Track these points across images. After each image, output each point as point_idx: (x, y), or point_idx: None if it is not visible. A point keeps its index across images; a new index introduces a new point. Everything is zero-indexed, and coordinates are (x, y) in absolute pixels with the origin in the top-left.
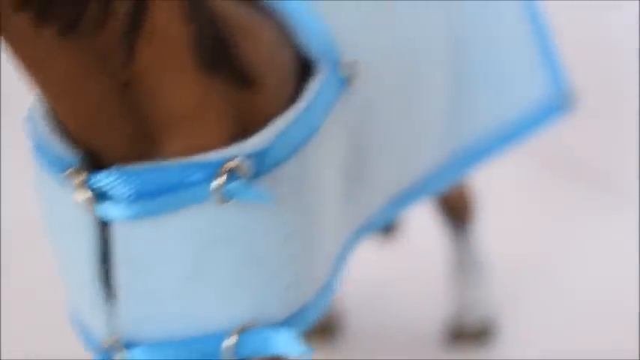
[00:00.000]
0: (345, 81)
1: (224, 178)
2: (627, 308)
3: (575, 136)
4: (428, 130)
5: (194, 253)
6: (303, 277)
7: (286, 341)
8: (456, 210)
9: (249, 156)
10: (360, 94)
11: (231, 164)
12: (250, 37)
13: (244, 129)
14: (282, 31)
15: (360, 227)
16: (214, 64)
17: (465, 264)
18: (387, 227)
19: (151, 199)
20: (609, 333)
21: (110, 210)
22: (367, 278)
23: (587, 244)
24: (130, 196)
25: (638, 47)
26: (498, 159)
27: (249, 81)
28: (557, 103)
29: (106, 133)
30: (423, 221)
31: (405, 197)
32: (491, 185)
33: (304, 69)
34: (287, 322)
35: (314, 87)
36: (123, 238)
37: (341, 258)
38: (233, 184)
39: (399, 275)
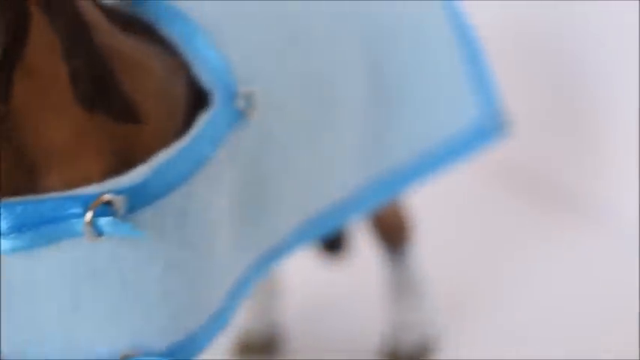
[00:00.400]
0: (240, 112)
1: (92, 213)
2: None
3: (534, 147)
4: (341, 155)
5: (72, 284)
6: (187, 307)
7: None
8: (391, 231)
9: (122, 191)
10: (259, 124)
11: (103, 199)
12: (137, 70)
13: (126, 163)
14: (177, 61)
15: (269, 252)
16: (95, 99)
17: (401, 286)
18: (333, 245)
19: (29, 232)
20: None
21: None
22: (309, 293)
23: (542, 265)
24: (8, 228)
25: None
26: (431, 180)
27: (133, 116)
28: (490, 127)
29: None
30: (367, 236)
31: (321, 222)
32: (437, 199)
33: (201, 100)
34: (171, 351)
35: (203, 119)
36: (3, 268)
37: (243, 283)
38: (103, 219)
39: (342, 290)
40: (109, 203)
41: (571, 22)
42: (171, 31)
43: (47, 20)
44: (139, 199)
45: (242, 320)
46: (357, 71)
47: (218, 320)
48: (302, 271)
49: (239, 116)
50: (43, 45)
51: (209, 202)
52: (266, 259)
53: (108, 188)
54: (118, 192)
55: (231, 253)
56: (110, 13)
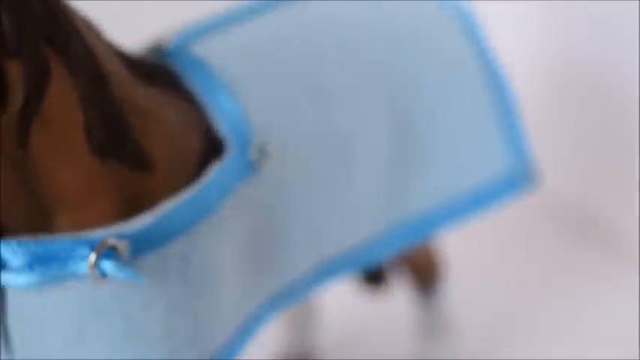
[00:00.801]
0: (253, 163)
1: (96, 255)
2: None
3: (571, 182)
4: (360, 203)
5: (77, 320)
6: (188, 343)
7: None
8: (421, 270)
9: (126, 236)
10: (272, 175)
11: (107, 243)
12: (151, 121)
13: (135, 208)
14: (196, 112)
15: (281, 292)
16: (108, 149)
17: (430, 326)
18: (375, 278)
19: (39, 270)
20: None
21: (5, 277)
22: (347, 321)
23: (580, 305)
24: (21, 265)
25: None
26: (459, 226)
27: (144, 164)
28: (519, 177)
29: (5, 206)
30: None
31: (338, 264)
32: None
33: (216, 149)
34: None
35: (214, 169)
36: (14, 302)
37: (254, 321)
38: (107, 262)
39: (378, 322)
40: (113, 247)
41: (613, 59)
42: (194, 83)
43: (66, 72)
44: (141, 244)
45: (278, 342)
46: (381, 124)
47: (223, 355)
48: (341, 299)
49: (252, 167)
50: (61, 95)
51: (214, 248)
52: (278, 298)
53: (113, 233)
54: (122, 237)
55: (239, 293)
56: (134, 63)
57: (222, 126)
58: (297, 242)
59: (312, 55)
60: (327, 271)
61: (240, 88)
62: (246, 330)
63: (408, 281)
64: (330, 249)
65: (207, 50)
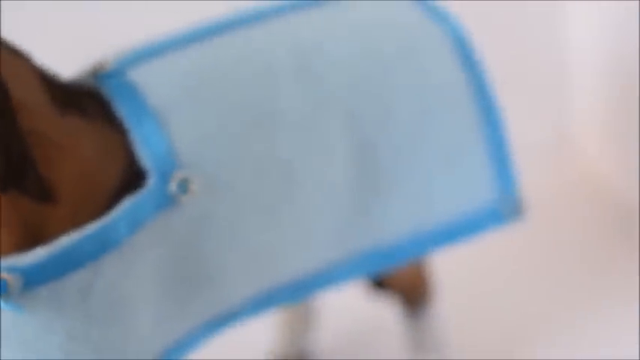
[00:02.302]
0: (172, 196)
1: None
2: None
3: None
4: (310, 233)
5: None
6: None
7: None
8: (407, 292)
9: (17, 269)
10: (197, 207)
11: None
12: (61, 154)
13: (37, 241)
14: (117, 141)
15: (219, 317)
16: (8, 179)
17: (420, 347)
18: (382, 283)
19: None
20: None
21: None
22: (343, 325)
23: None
24: None
25: None
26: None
27: (47, 196)
28: (503, 212)
29: None
30: None
31: (284, 292)
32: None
33: (138, 180)
34: None
35: (126, 202)
36: None
37: (186, 345)
38: None
39: (377, 327)
40: (5, 279)
41: None
42: (122, 110)
43: None
44: (34, 277)
45: (273, 344)
46: (338, 152)
47: None
48: (341, 300)
49: (171, 200)
50: None
51: (121, 279)
52: (216, 322)
53: (5, 266)
54: (14, 270)
55: (161, 320)
56: (60, 91)
57: (145, 157)
58: (234, 270)
59: (263, 80)
60: (273, 297)
61: (172, 117)
62: (175, 355)
63: (394, 302)
64: (275, 276)
65: (147, 75)
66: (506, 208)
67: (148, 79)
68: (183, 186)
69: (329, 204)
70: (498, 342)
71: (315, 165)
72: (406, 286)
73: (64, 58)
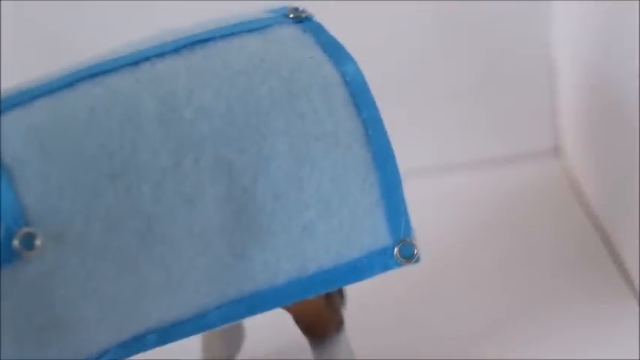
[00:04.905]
0: (16, 252)
1: None
2: None
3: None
4: (179, 280)
5: None
6: None
7: None
8: (304, 323)
9: None
10: (45, 262)
11: None
12: None
13: None
14: None
15: None
16: None
17: None
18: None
19: None
20: None
21: None
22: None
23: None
24: None
25: None
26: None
27: None
28: (394, 256)
29: None
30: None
31: (153, 337)
32: None
33: None
34: None
35: None
36: None
37: None
38: None
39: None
40: None
41: None
42: None
43: None
44: None
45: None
46: (206, 199)
47: None
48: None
49: (15, 255)
50: None
51: None
52: None
53: None
54: None
55: None
56: None
57: None
58: (89, 320)
59: (124, 130)
60: (141, 341)
61: (23, 172)
62: None
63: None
64: (140, 322)
65: (6, 127)
66: (400, 251)
67: (6, 131)
68: (28, 242)
69: (199, 249)
70: (472, 343)
71: (178, 212)
72: (303, 317)
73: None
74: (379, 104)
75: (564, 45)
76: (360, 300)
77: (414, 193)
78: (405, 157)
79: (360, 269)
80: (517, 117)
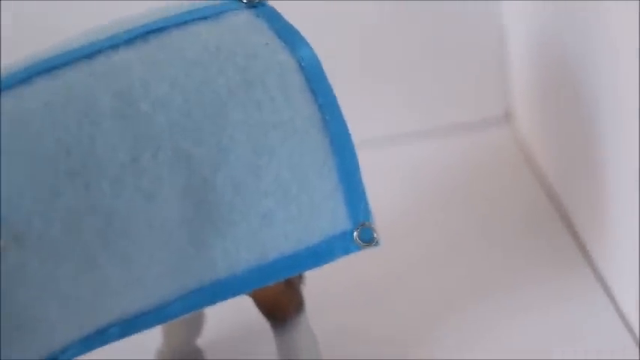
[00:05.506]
0: None
1: None
2: None
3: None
4: (141, 273)
5: None
6: None
7: None
8: (266, 308)
9: None
10: (7, 260)
11: None
12: None
13: None
14: None
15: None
16: None
17: (287, 356)
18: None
19: None
20: None
21: None
22: (235, 324)
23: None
24: None
25: None
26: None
27: None
28: (353, 239)
29: None
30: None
31: (116, 327)
32: None
33: None
34: None
35: None
36: None
37: None
38: None
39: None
40: None
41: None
42: None
43: None
44: None
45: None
46: (165, 191)
47: None
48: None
49: None
50: None
51: None
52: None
53: None
54: None
55: None
56: None
57: None
58: (53, 316)
59: (81, 126)
60: (104, 334)
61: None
62: None
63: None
64: (103, 315)
65: None
66: (359, 235)
67: None
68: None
69: (160, 242)
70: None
71: (138, 207)
72: (263, 300)
73: None
74: (330, 77)
75: (514, 12)
76: (315, 276)
77: (365, 165)
78: (355, 129)
79: (320, 254)
80: (467, 85)
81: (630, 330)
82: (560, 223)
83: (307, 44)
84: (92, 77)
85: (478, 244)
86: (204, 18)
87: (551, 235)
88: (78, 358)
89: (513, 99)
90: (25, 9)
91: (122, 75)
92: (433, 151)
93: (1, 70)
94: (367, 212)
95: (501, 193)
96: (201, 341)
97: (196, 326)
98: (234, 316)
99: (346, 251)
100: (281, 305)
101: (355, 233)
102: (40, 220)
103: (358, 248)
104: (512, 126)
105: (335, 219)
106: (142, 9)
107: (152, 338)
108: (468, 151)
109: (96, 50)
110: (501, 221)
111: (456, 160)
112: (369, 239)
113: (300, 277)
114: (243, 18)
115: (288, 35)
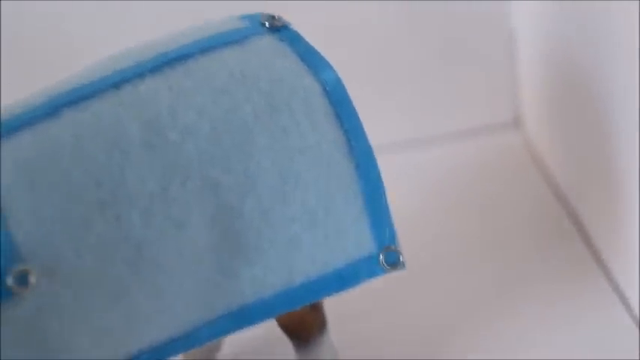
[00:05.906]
0: (10, 289)
1: None
2: None
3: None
4: (172, 301)
5: None
6: None
7: None
8: (288, 328)
9: None
10: (40, 296)
11: None
12: None
13: None
14: None
15: None
16: None
17: None
18: None
19: None
20: None
21: None
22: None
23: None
24: None
25: None
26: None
27: None
28: (380, 263)
29: None
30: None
31: (147, 354)
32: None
33: None
34: None
35: None
36: None
37: None
38: None
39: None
40: None
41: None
42: None
43: None
44: None
45: None
46: (193, 220)
47: None
48: None
49: (9, 293)
50: None
51: None
52: None
53: None
54: None
55: None
56: None
57: None
58: (82, 350)
59: (110, 157)
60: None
61: (12, 208)
62: None
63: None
64: (134, 344)
65: None
66: (385, 258)
67: None
68: (23, 279)
69: (189, 270)
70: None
71: (168, 236)
72: (289, 323)
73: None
74: (345, 83)
75: (524, 16)
76: None
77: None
78: (367, 134)
79: (346, 278)
80: (477, 90)
81: None
82: (571, 228)
83: (331, 67)
84: (120, 107)
85: (488, 248)
86: (229, 43)
87: (562, 240)
88: None
89: (523, 104)
90: (25, 9)
91: (150, 104)
92: (442, 156)
93: (23, 102)
94: (393, 235)
95: (511, 198)
96: (220, 355)
97: (216, 342)
98: (253, 331)
99: (372, 274)
100: (306, 325)
101: (381, 256)
102: (72, 253)
103: (383, 271)
104: (521, 131)
105: (360, 243)
106: (142, 9)
107: None
108: (477, 156)
109: (122, 79)
110: (511, 226)
111: (466, 165)
112: (394, 262)
113: None
114: (266, 42)
115: (311, 58)
